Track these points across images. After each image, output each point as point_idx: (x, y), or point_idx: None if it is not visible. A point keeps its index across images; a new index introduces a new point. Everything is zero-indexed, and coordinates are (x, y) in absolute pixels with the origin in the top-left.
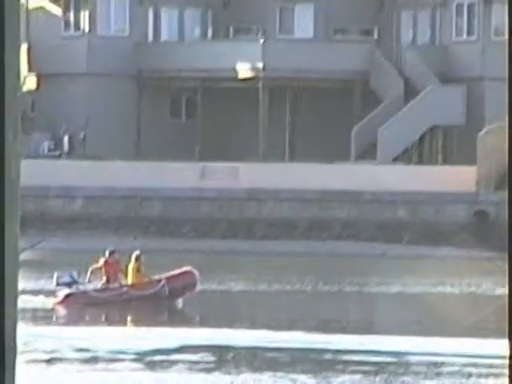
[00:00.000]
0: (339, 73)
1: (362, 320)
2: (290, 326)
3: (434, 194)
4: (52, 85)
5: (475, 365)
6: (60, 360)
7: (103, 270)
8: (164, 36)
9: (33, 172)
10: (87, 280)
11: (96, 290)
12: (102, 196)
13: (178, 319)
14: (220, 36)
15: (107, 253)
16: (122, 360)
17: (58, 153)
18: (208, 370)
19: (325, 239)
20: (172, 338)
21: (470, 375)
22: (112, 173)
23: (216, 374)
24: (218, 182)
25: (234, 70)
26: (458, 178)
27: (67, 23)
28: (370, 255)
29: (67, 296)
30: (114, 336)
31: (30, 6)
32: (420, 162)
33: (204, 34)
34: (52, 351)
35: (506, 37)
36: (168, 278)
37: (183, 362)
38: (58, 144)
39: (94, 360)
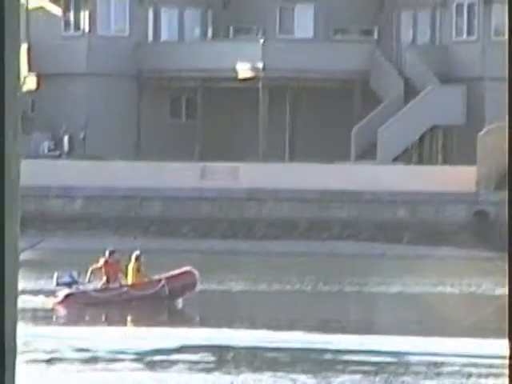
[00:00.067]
0: (339, 73)
1: (362, 320)
2: (290, 326)
3: (434, 194)
4: (52, 85)
5: (475, 365)
6: (60, 360)
7: (103, 269)
8: (164, 36)
9: (33, 172)
10: (87, 280)
11: (96, 290)
12: (102, 196)
13: (178, 319)
14: (220, 36)
15: (107, 253)
16: (122, 360)
17: (58, 153)
18: (208, 370)
19: (325, 239)
20: (172, 337)
21: (470, 375)
22: (112, 173)
23: (216, 374)
24: (217, 182)
25: (234, 70)
26: (458, 178)
27: (67, 23)
28: (370, 255)
29: (67, 296)
30: (113, 336)
31: (30, 6)
32: (420, 162)
33: (204, 34)
34: (52, 351)
35: (506, 36)
36: (168, 278)
37: (183, 362)
38: (58, 144)
39: (93, 360)
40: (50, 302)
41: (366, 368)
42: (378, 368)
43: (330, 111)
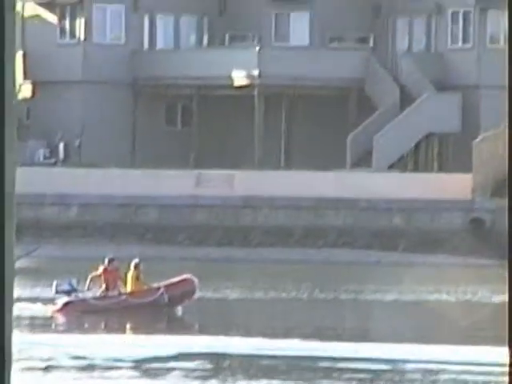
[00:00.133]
0: (335, 80)
1: (358, 328)
2: (286, 334)
3: (430, 201)
4: (47, 92)
5: (471, 372)
6: (56, 368)
7: (102, 277)
8: (159, 43)
9: (28, 180)
10: (86, 288)
11: (95, 298)
12: (98, 203)
13: (176, 327)
14: (215, 43)
15: (106, 260)
16: (119, 368)
17: (53, 160)
18: (204, 378)
19: (320, 247)
20: (170, 345)
21: (465, 383)
22: (107, 180)
23: (212, 381)
24: (213, 190)
25: (230, 78)
26: (453, 185)
27: (63, 31)
28: (365, 263)
29: (66, 304)
30: (112, 343)
31: (26, 14)
32: (416, 169)
33: (199, 41)
34: (49, 359)
35: (507, 39)
36: (167, 286)
37: (180, 369)
38: (53, 151)
39: (90, 368)
40: (48, 310)
41: (361, 376)
42: (374, 376)
43: (326, 119)
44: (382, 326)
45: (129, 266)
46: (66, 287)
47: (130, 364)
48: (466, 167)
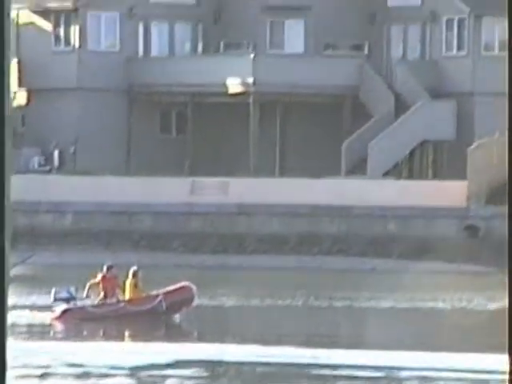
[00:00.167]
0: (330, 88)
1: (353, 335)
2: (282, 341)
3: (425, 208)
4: (42, 100)
5: (467, 380)
6: (52, 375)
7: (101, 285)
8: (154, 51)
9: (23, 187)
10: (85, 295)
11: (93, 306)
12: (93, 211)
13: (174, 334)
14: (210, 51)
15: (105, 268)
16: (115, 375)
17: (48, 168)
18: None
19: (315, 254)
20: (168, 352)
21: None
22: (102, 188)
23: None
24: (208, 197)
25: (225, 85)
26: (448, 192)
27: (57, 38)
28: (360, 270)
29: (65, 311)
30: (109, 351)
31: (21, 21)
32: (410, 176)
33: (194, 48)
34: (45, 366)
35: (507, 45)
36: (165, 294)
37: (176, 376)
38: (48, 159)
39: (86, 375)
40: (45, 317)
41: (356, 383)
42: (369, 383)
43: (321, 126)
44: (377, 334)
45: (127, 274)
46: (64, 295)
47: (126, 372)
48: (460, 174)
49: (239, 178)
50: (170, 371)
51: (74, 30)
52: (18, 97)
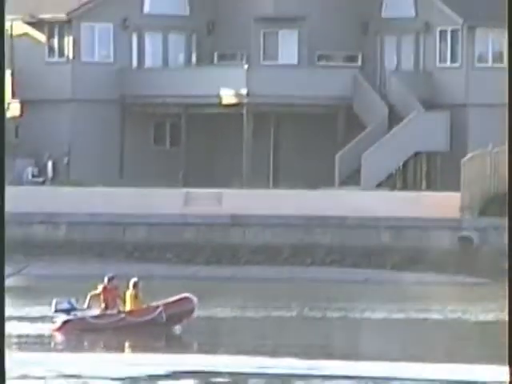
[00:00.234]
0: (323, 99)
1: (347, 346)
2: (277, 352)
3: (418, 219)
4: (36, 111)
5: None
6: None
7: (102, 296)
8: (148, 62)
9: (17, 198)
10: (86, 306)
11: (94, 317)
12: (86, 222)
13: (174, 345)
14: (204, 62)
15: (106, 279)
16: None
17: (41, 179)
18: None
19: (309, 265)
20: (166, 363)
21: None
22: (96, 199)
23: None
24: (201, 208)
25: (218, 96)
26: (442, 203)
27: (51, 50)
28: (353, 281)
29: (65, 322)
30: (108, 362)
31: (15, 33)
32: (404, 187)
33: (188, 59)
34: (41, 377)
35: (507, 56)
36: (165, 305)
37: None
38: (41, 170)
39: None
40: (43, 329)
41: None
42: None
43: (314, 137)
44: (371, 345)
45: (127, 285)
46: (65, 306)
47: (122, 382)
48: (454, 186)
49: (233, 189)
50: (165, 382)
51: (68, 42)
52: (12, 108)
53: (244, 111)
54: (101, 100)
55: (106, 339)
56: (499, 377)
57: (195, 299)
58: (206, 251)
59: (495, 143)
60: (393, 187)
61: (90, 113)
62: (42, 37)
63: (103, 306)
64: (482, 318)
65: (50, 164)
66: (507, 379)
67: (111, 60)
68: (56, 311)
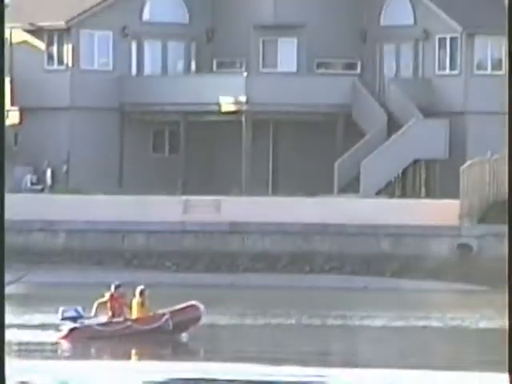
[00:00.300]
0: (322, 106)
1: (347, 353)
2: (276, 360)
3: (417, 227)
4: (35, 119)
5: None
6: None
7: (109, 304)
8: (147, 69)
9: (16, 206)
10: (93, 314)
11: (100, 325)
12: (85, 230)
13: (180, 353)
14: (203, 69)
15: (113, 287)
16: None
17: (40, 187)
18: None
19: (307, 272)
20: (170, 371)
21: None
22: (95, 206)
23: None
24: (200, 216)
25: (217, 104)
26: (441, 211)
27: (50, 57)
28: (352, 288)
29: (72, 330)
30: (112, 369)
31: (14, 41)
32: (403, 195)
33: (187, 67)
34: None
35: (507, 62)
36: (172, 312)
37: None
38: (40, 178)
39: None
40: (50, 337)
41: None
42: None
43: (313, 145)
44: (370, 352)
45: (133, 293)
46: (72, 313)
47: None
48: (453, 193)
49: (232, 197)
50: None
51: (67, 49)
52: (11, 116)
53: (243, 119)
54: (100, 108)
55: (113, 347)
56: None
57: (202, 307)
58: (204, 259)
59: (494, 151)
60: (392, 195)
61: (89, 120)
62: (41, 44)
63: (110, 313)
64: (481, 325)
65: (48, 172)
66: None
67: (110, 68)
68: (63, 319)
